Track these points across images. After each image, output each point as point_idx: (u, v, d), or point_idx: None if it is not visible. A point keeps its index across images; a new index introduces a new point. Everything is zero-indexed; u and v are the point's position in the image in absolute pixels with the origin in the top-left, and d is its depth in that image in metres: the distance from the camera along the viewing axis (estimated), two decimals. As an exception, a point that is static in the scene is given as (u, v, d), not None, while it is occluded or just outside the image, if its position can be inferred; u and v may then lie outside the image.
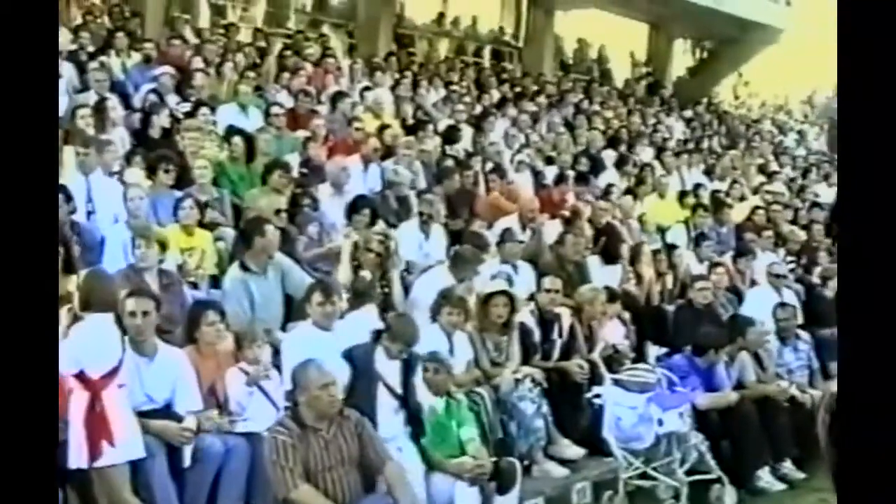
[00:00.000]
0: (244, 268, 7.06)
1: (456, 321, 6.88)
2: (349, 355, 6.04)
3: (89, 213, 7.66)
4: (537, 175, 11.84)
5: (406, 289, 7.93)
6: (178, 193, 8.05)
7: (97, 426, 5.00)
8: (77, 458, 5.00)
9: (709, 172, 14.42)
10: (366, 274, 7.59)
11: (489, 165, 11.53)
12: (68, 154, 8.17)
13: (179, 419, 5.40)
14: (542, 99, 16.03)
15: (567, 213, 10.22)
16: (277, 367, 6.17)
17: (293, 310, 7.11)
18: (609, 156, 13.80)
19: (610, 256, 9.47)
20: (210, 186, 8.62)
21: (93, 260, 6.93)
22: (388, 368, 6.03)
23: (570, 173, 11.72)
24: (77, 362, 5.02)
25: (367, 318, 7.01)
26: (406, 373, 6.05)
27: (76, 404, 5.03)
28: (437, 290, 7.18)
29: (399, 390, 5.99)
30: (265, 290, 7.04)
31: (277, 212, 7.98)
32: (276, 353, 6.43)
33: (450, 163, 10.53)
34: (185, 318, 6.20)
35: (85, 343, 5.07)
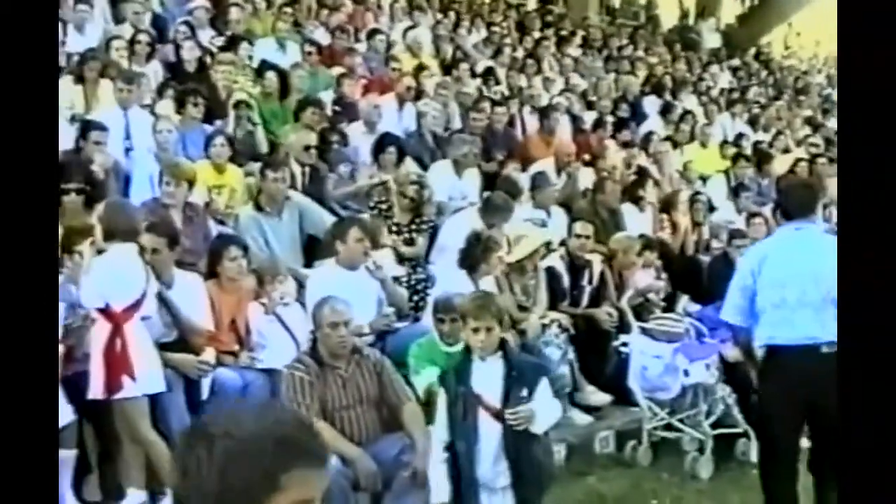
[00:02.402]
0: (258, 208, 7.02)
1: (496, 264, 6.78)
2: (442, 379, 4.59)
3: (127, 150, 7.58)
4: (575, 120, 11.65)
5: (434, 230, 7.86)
6: (209, 128, 8.00)
7: (118, 359, 4.93)
8: (95, 390, 4.96)
9: (753, 123, 14.11)
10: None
11: (527, 108, 11.37)
12: (104, 87, 8.14)
13: (197, 352, 5.35)
14: (582, 42, 15.75)
15: (587, 157, 10.07)
16: (302, 303, 6.13)
17: (318, 249, 7.05)
18: (652, 103, 13.56)
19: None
20: (246, 122, 8.55)
21: (121, 193, 6.90)
22: (487, 384, 4.36)
23: (609, 119, 11.50)
24: (100, 296, 4.95)
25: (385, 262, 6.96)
26: (508, 387, 4.32)
27: (97, 336, 4.98)
28: (465, 234, 7.04)
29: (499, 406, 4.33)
30: (279, 231, 6.99)
31: (307, 148, 7.87)
32: (302, 288, 6.41)
33: (485, 104, 10.35)
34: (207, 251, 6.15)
35: (107, 275, 4.98)
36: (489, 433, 4.34)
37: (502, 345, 4.43)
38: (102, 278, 4.96)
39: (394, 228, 7.54)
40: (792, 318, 4.72)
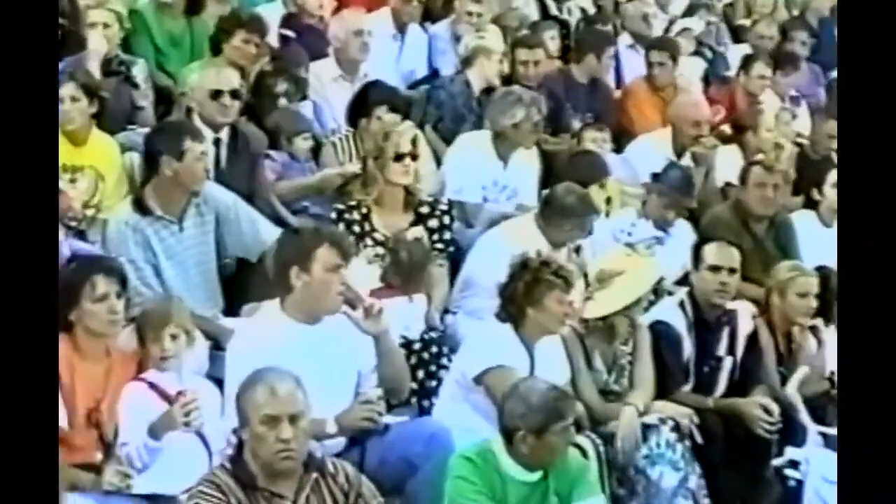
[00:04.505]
0: (141, 209, 7.09)
1: (561, 313, 6.80)
2: None
3: None
4: (712, 61, 11.80)
5: (460, 254, 7.98)
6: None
7: None
8: None
9: None
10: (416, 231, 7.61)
11: (626, 40, 11.52)
12: None
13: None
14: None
15: (728, 129, 10.19)
16: (219, 380, 6.19)
17: (249, 283, 7.16)
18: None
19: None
20: (121, 56, 8.71)
21: None
22: None
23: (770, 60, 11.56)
24: None
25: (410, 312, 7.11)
26: None
27: None
28: (511, 259, 7.04)
29: None
30: (180, 251, 7.10)
31: (228, 100, 7.89)
32: (219, 351, 6.55)
33: (551, 32, 10.42)
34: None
35: None
36: None
37: None
38: None
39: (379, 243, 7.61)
40: None
